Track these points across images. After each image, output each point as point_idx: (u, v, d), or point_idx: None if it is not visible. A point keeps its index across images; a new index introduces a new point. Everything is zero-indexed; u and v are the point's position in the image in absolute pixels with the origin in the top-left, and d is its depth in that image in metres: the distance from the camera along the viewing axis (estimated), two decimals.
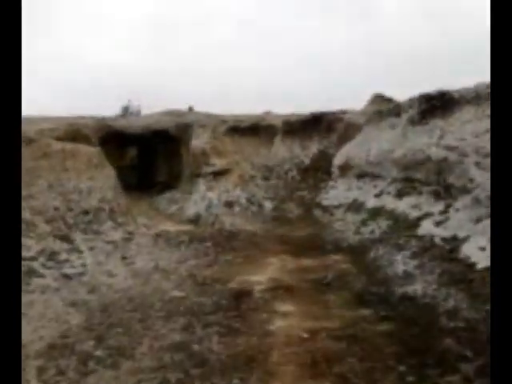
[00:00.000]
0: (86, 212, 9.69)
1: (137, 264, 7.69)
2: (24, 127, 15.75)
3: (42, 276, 6.57)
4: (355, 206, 11.91)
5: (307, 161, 16.49)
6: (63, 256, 7.38)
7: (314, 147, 17.14)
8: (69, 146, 13.31)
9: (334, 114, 18.13)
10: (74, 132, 15.39)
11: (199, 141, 16.94)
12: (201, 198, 13.39)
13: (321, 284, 6.57)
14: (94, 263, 7.38)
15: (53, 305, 5.66)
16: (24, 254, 7.10)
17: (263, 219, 12.25)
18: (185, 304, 5.71)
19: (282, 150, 17.22)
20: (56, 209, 9.24)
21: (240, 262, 8.15)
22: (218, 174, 14.66)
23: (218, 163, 15.28)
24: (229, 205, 12.80)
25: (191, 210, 13.22)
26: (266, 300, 5.91)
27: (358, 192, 12.50)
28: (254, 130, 19.16)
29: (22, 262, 6.86)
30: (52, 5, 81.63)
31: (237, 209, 12.66)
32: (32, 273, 6.58)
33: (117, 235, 9.03)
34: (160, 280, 6.81)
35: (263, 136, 18.94)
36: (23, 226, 8.12)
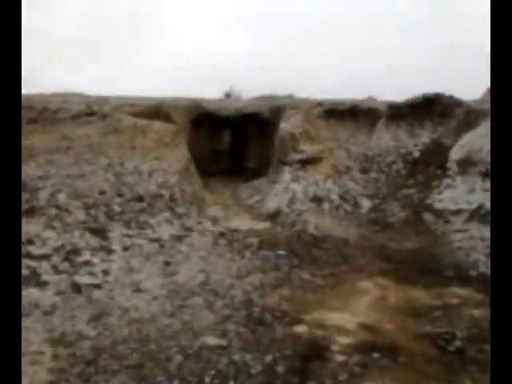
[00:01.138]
0: (140, 198, 7.85)
1: (180, 275, 5.62)
2: (105, 105, 14.53)
3: (42, 285, 4.73)
4: (481, 215, 8.86)
5: (416, 152, 13.34)
6: (85, 256, 5.51)
7: (425, 136, 13.91)
8: (141, 122, 11.67)
9: (451, 97, 14.75)
10: (154, 109, 13.80)
11: (289, 123, 14.56)
12: (283, 190, 11.08)
13: (445, 347, 3.97)
14: (122, 270, 5.44)
15: (28, 339, 3.73)
16: (34, 250, 5.34)
17: (358, 222, 9.64)
18: (217, 364, 3.47)
19: (385, 138, 14.27)
20: (102, 193, 7.49)
21: (320, 285, 5.73)
22: (307, 163, 12.21)
23: (309, 150, 12.80)
24: (316, 200, 10.35)
25: (271, 204, 10.97)
26: (351, 373, 3.47)
27: (485, 195, 9.36)
28: (353, 113, 16.37)
29: (28, 262, 5.07)
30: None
31: (326, 206, 10.17)
32: (31, 279, 4.76)
33: (168, 231, 7.04)
34: (200, 308, 4.63)
35: (363, 121, 16.08)
36: (53, 212, 6.41)
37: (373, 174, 12.48)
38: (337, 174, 11.97)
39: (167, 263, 5.87)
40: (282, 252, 6.93)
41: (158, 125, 11.60)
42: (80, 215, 6.42)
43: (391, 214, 10.46)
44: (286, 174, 11.85)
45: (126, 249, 5.97)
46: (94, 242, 5.91)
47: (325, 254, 7.21)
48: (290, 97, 26.64)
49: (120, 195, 7.64)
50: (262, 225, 9.18)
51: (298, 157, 12.48)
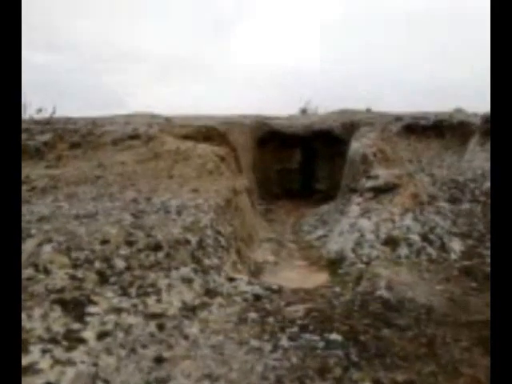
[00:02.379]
0: (156, 247, 6.05)
1: None
2: (153, 127, 13.11)
3: None
4: None
5: None
6: (32, 355, 3.72)
7: None
8: (185, 145, 10.01)
9: None
10: (204, 130, 12.15)
11: (360, 143, 12.23)
12: (349, 227, 8.78)
13: None
14: (81, 378, 3.60)
15: None
16: None
17: (446, 274, 7.14)
18: None
19: (480, 159, 11.44)
20: (104, 242, 5.79)
21: None
22: (381, 191, 9.83)
23: (384, 175, 10.39)
24: (391, 243, 7.96)
25: (334, 245, 8.71)
26: None
27: None
28: (439, 129, 13.66)
29: None
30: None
31: (403, 251, 7.74)
32: None
33: (181, 298, 5.13)
34: None
35: (452, 138, 13.32)
36: (25, 274, 4.76)
37: (465, 205, 9.76)
38: (418, 205, 9.44)
39: (159, 360, 3.94)
40: (335, 337, 4.73)
41: (203, 148, 9.86)
42: (59, 279, 4.72)
43: None
44: (355, 205, 9.55)
45: (103, 336, 4.14)
46: (59, 325, 4.14)
47: (399, 339, 4.91)
48: (368, 111, 24.41)
49: (129, 243, 5.86)
50: (318, 278, 7.00)
51: (370, 184, 10.12)
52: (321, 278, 7.09)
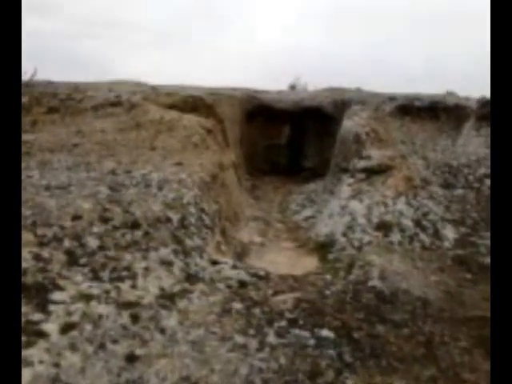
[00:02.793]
0: (134, 225, 5.51)
1: None
2: (136, 94, 12.32)
3: None
4: None
5: None
6: None
7: None
8: (170, 115, 9.34)
9: None
10: (192, 100, 11.44)
11: (353, 121, 11.69)
12: (340, 209, 8.32)
13: None
14: (40, 381, 3.09)
15: None
16: None
17: (440, 263, 6.76)
18: None
19: (475, 144, 11.03)
20: (76, 218, 5.22)
21: None
22: (374, 173, 9.37)
23: (376, 155, 9.90)
24: (383, 228, 7.53)
25: (323, 228, 8.25)
26: None
27: None
28: (434, 111, 13.19)
29: None
30: None
31: (396, 237, 7.34)
32: None
33: (158, 284, 4.62)
34: None
35: (446, 121, 12.88)
36: None
37: (458, 191, 9.39)
38: (411, 189, 9.02)
39: (131, 359, 3.46)
40: (327, 333, 4.29)
41: (188, 119, 9.21)
42: (23, 261, 4.16)
43: (486, 251, 7.46)
44: (346, 186, 9.08)
45: (68, 328, 3.63)
46: (29, 309, 3.60)
47: (395, 337, 4.51)
48: (358, 90, 23.90)
49: (104, 220, 5.29)
50: (307, 263, 6.56)
51: (362, 164, 9.64)
52: (310, 262, 6.65)
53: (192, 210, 6.23)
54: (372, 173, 9.35)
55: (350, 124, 11.52)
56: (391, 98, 14.18)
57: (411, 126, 12.49)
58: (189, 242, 5.65)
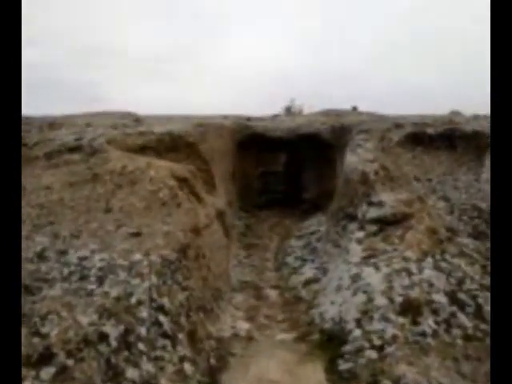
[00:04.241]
0: (44, 358, 3.59)
1: None
2: (100, 136, 10.39)
3: None
4: None
5: None
6: None
7: None
8: (135, 163, 7.48)
9: None
10: (169, 139, 9.60)
11: (357, 156, 9.79)
12: (351, 280, 6.30)
13: None
14: None
15: None
16: None
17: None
18: None
19: None
20: None
21: None
22: (388, 224, 7.45)
23: (389, 201, 7.99)
24: (411, 311, 5.51)
25: (329, 306, 6.24)
26: None
27: None
28: (449, 139, 11.34)
29: None
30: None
31: (428, 324, 5.28)
32: None
33: None
34: None
35: (464, 151, 11.01)
36: None
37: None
38: (437, 245, 7.08)
39: None
40: None
41: (157, 168, 7.32)
42: None
43: None
44: (355, 244, 7.15)
45: None
46: None
47: None
48: (354, 109, 22.23)
49: None
50: (309, 377, 4.54)
51: (373, 213, 7.71)
52: (314, 376, 4.67)
53: (143, 314, 4.28)
54: (386, 224, 7.41)
55: (355, 160, 9.63)
56: (398, 125, 12.34)
57: (424, 157, 10.61)
58: (131, 374, 3.68)
